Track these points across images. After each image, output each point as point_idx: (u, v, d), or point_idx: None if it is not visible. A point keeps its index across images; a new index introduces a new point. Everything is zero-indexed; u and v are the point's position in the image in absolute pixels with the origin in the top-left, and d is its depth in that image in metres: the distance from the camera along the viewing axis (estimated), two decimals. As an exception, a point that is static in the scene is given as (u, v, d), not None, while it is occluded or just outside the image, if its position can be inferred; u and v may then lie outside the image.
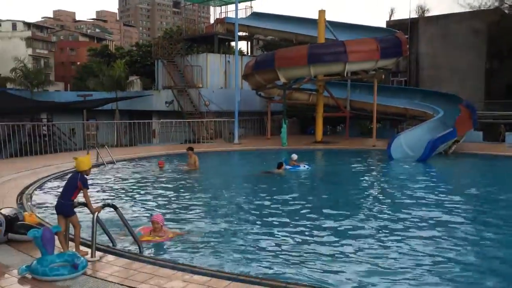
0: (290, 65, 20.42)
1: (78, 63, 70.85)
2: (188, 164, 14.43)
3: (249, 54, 34.47)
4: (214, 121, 24.70)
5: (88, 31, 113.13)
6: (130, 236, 5.92)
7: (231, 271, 5.08)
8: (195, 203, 9.58)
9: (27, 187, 9.73)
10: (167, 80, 28.46)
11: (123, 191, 10.70)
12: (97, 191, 10.42)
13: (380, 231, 7.19)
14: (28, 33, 76.37)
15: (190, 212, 8.60)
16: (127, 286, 4.46)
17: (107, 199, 9.68)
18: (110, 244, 5.86)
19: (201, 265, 5.38)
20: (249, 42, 34.96)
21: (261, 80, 21.98)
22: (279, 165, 13.56)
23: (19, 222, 5.90)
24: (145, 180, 12.21)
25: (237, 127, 22.58)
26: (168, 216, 8.25)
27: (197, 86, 26.69)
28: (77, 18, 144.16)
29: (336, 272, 5.40)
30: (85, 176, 5.40)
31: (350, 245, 6.46)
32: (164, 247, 6.39)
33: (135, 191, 10.78)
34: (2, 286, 4.36)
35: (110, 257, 5.33)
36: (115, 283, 4.53)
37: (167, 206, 9.17)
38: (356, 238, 6.79)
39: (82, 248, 5.47)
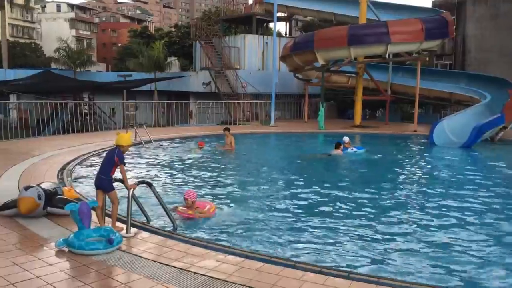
0: (329, 46, 19.91)
1: (119, 44, 72.14)
2: (224, 144, 14.49)
3: (287, 35, 33.96)
4: (251, 103, 24.58)
5: (129, 12, 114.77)
6: (165, 214, 5.94)
7: (266, 253, 4.98)
8: (230, 182, 9.58)
9: (67, 163, 9.95)
10: (205, 61, 28.49)
11: (161, 169, 10.82)
12: (135, 169, 10.56)
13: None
14: (72, 15, 78.33)
15: (226, 192, 8.58)
16: (160, 263, 4.45)
17: (145, 177, 9.77)
18: (145, 221, 5.90)
19: (234, 245, 5.33)
20: (287, 23, 34.42)
21: (299, 62, 21.60)
22: (337, 145, 13.24)
23: (58, 196, 6.02)
24: (183, 159, 12.32)
25: (273, 109, 22.38)
26: (203, 192, 8.30)
27: (235, 68, 26.58)
28: (119, 0, 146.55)
29: (388, 263, 5.20)
30: (121, 151, 5.41)
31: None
32: (197, 224, 6.40)
33: (172, 169, 10.90)
34: (40, 258, 4.44)
35: (145, 234, 5.35)
36: (148, 259, 4.53)
37: (203, 185, 9.16)
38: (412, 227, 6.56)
39: (118, 224, 5.52)
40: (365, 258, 5.23)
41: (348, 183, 9.87)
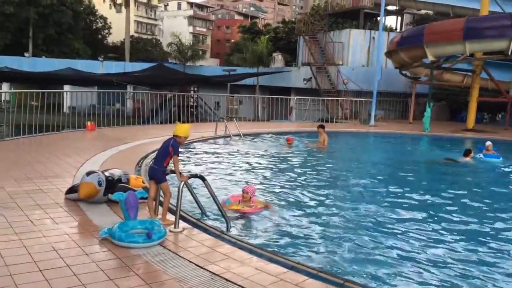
0: (441, 40, 18.05)
1: (232, 40, 74.73)
2: (317, 142, 13.96)
3: (398, 30, 31.93)
4: (351, 100, 23.50)
5: (244, 10, 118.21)
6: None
7: (312, 266, 4.39)
8: (312, 183, 8.90)
9: (153, 152, 10.15)
10: (308, 56, 27.95)
11: (243, 163, 10.61)
12: (217, 162, 10.51)
13: None
14: (190, 12, 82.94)
15: (302, 193, 8.02)
16: (195, 264, 4.13)
17: (226, 169, 9.66)
18: (199, 216, 5.66)
19: (282, 250, 4.83)
20: (398, 18, 32.34)
21: (405, 58, 19.99)
22: (467, 153, 11.76)
23: (120, 184, 6.04)
24: (269, 155, 12.03)
25: (374, 108, 21.08)
26: (277, 191, 7.85)
27: (337, 63, 25.65)
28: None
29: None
30: (177, 142, 5.21)
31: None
32: (251, 220, 6.09)
33: (256, 164, 10.61)
34: (80, 245, 4.39)
35: (193, 231, 5.09)
36: (185, 259, 4.24)
37: (279, 183, 8.74)
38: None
39: (169, 217, 5.34)
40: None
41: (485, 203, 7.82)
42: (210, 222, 5.70)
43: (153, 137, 12.77)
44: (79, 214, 5.42)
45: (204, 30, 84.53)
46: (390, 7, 26.69)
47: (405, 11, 31.27)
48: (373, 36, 27.26)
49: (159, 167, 5.16)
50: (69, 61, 34.67)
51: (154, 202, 5.27)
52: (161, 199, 5.39)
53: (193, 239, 4.81)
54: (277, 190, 8.04)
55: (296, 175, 9.62)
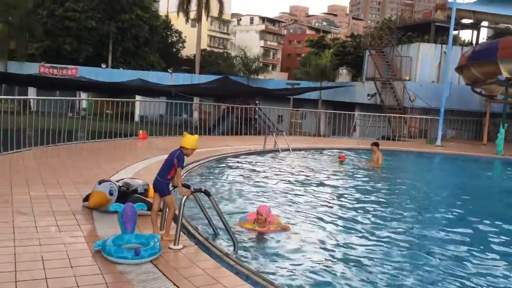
0: (517, 56, 16.55)
1: (303, 55, 74.71)
2: (371, 160, 13.20)
3: (473, 44, 29.85)
4: (418, 118, 22.16)
5: (316, 24, 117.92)
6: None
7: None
8: (353, 204, 8.26)
9: (189, 164, 10.03)
10: (373, 71, 26.95)
11: (284, 179, 10.14)
12: (257, 176, 10.19)
13: None
14: (262, 27, 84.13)
15: (342, 213, 7.49)
16: (177, 286, 3.82)
17: (264, 184, 9.30)
18: (205, 235, 5.35)
19: (287, 282, 4.36)
20: (474, 32, 30.26)
21: (477, 74, 18.57)
22: None
23: (135, 195, 5.91)
24: (314, 172, 11.41)
25: (441, 127, 19.68)
26: (314, 211, 7.37)
27: (403, 79, 24.42)
28: (310, 13, 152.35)
29: None
30: (183, 154, 4.97)
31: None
32: (266, 242, 5.72)
33: (297, 180, 10.09)
34: (72, 257, 4.25)
35: (194, 249, 4.79)
36: (170, 280, 3.94)
37: (319, 200, 8.19)
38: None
39: (172, 233, 5.08)
40: None
41: None
42: (220, 242, 5.37)
43: (200, 149, 12.75)
44: (87, 223, 5.34)
45: (275, 44, 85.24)
46: (464, 20, 25.00)
47: (481, 24, 29.22)
48: (444, 51, 25.64)
49: (163, 179, 4.94)
50: (141, 72, 36.37)
51: (157, 216, 5.04)
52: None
53: (190, 259, 4.50)
54: (309, 210, 7.52)
55: (337, 195, 9.04)
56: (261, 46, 78.65)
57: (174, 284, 3.88)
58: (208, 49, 68.10)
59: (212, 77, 34.17)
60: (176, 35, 61.37)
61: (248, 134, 19.14)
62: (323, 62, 27.64)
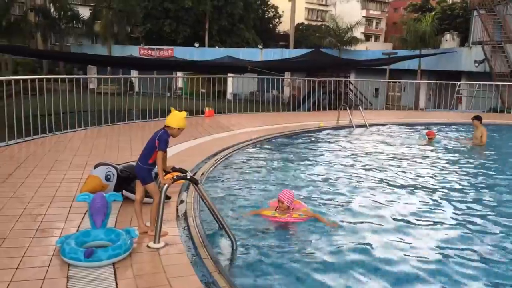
0: None
1: (400, 21, 68.90)
2: (473, 137, 11.10)
3: None
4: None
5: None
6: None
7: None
8: (441, 191, 6.61)
9: (235, 145, 9.11)
10: (482, 34, 23.39)
11: (354, 160, 8.73)
12: (322, 156, 8.97)
13: None
14: (364, -5, 79.37)
15: (418, 202, 6.04)
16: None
17: (330, 166, 8.12)
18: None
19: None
20: None
21: None
22: None
23: (140, 180, 5.21)
24: (392, 151, 9.69)
25: None
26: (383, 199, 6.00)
27: (519, 41, 20.80)
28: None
29: None
30: (168, 134, 4.11)
31: None
32: (286, 235, 4.77)
33: (371, 161, 8.66)
34: (39, 255, 3.68)
35: (177, 248, 3.94)
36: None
37: (391, 187, 6.75)
38: None
39: (165, 226, 4.28)
40: None
41: None
42: (223, 240, 4.41)
43: (265, 125, 11.87)
44: (80, 212, 4.76)
45: (378, 13, 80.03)
46: None
47: None
48: None
49: (143, 164, 4.14)
50: (231, 50, 36.28)
51: (141, 207, 4.27)
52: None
53: (163, 264, 3.66)
54: (371, 199, 6.12)
55: (421, 180, 7.24)
56: (363, 16, 74.27)
57: (118, 296, 3.08)
58: (306, 22, 66.17)
59: (303, 51, 32.82)
60: (272, 10, 60.43)
61: (336, 109, 17.68)
62: (422, 27, 24.65)
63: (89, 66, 34.95)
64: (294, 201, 5.13)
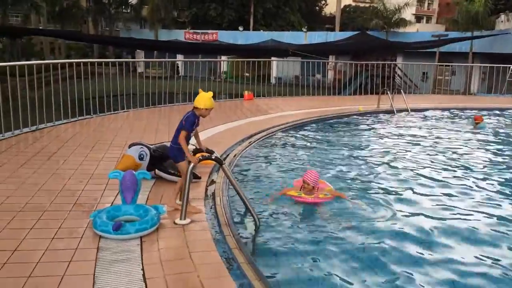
0: None
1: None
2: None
3: None
4: None
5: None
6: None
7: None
8: (483, 181, 6.31)
9: (271, 128, 9.14)
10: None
11: (393, 145, 8.58)
12: (360, 142, 8.89)
13: None
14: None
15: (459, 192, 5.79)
16: (143, 272, 3.21)
17: (365, 152, 8.03)
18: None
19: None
20: None
21: None
22: None
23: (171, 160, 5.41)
24: (434, 137, 9.38)
25: None
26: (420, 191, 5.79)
27: None
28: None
29: None
30: (195, 115, 4.25)
31: None
32: (311, 215, 4.79)
33: (412, 146, 8.49)
34: (75, 227, 3.96)
35: (199, 226, 4.09)
36: (139, 264, 3.34)
37: (431, 175, 6.49)
38: None
39: (194, 204, 4.47)
40: None
41: None
42: (248, 220, 4.53)
43: (303, 109, 11.83)
44: (115, 189, 5.02)
45: (433, -7, 76.55)
46: None
47: None
48: None
49: (174, 144, 4.33)
50: (275, 33, 36.03)
51: (180, 186, 4.45)
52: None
53: (186, 239, 3.82)
54: (412, 185, 6.00)
55: (463, 168, 6.94)
56: (414, -4, 71.37)
57: (142, 269, 3.27)
58: (353, 4, 64.49)
59: (348, 34, 32.14)
60: (319, -8, 59.34)
61: (374, 93, 17.30)
62: (474, 8, 23.41)
63: (137, 50, 35.86)
64: (319, 181, 5.17)
